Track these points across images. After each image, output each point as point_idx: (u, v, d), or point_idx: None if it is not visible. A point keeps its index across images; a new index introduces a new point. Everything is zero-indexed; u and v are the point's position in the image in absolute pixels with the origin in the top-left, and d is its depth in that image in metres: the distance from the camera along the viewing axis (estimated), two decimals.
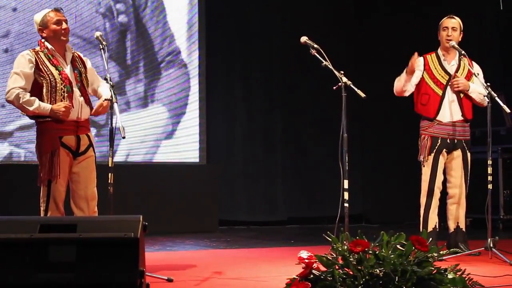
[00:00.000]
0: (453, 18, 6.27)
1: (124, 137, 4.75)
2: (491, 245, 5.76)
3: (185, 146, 8.93)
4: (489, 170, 5.96)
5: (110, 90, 4.92)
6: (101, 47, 5.09)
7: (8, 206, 7.26)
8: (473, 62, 6.25)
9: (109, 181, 4.87)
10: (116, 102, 4.88)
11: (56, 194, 5.04)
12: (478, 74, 6.09)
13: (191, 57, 9.02)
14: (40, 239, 3.61)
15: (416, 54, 6.05)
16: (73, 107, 5.05)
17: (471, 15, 9.93)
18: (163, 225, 8.05)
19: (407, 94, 6.30)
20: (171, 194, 8.63)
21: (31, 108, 4.97)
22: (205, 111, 9.06)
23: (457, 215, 6.28)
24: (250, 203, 9.52)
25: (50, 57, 5.08)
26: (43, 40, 5.14)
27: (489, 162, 5.96)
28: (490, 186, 5.94)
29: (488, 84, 5.89)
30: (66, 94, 5.04)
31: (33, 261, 3.57)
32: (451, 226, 6.29)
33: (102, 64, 5.26)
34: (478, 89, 6.20)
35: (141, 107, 8.77)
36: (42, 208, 5.08)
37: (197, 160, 8.99)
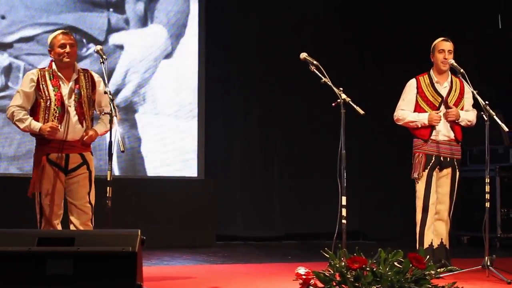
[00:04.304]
0: (448, 41, 6.32)
1: (123, 151, 4.79)
2: (489, 264, 5.75)
3: (184, 156, 8.95)
4: (487, 188, 5.96)
5: (110, 104, 4.96)
6: (101, 60, 5.17)
7: (8, 219, 7.24)
8: (465, 83, 6.26)
9: (108, 195, 4.88)
10: (116, 116, 4.91)
11: (46, 209, 5.21)
12: (476, 91, 6.08)
13: None
14: (38, 253, 3.61)
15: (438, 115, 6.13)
16: (60, 128, 5.18)
17: (469, 32, 9.98)
18: (161, 240, 8.03)
19: None
20: (169, 209, 8.62)
21: (21, 126, 5.24)
22: (204, 124, 9.08)
23: (441, 231, 6.29)
24: (248, 218, 9.51)
25: (52, 77, 5.27)
26: (52, 60, 5.34)
27: (487, 180, 5.96)
28: (487, 205, 5.93)
29: (487, 102, 5.90)
30: (57, 115, 5.20)
31: (30, 274, 3.58)
32: (435, 242, 6.30)
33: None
34: (467, 116, 6.30)
35: (141, 26, 8.84)
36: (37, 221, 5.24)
37: (195, 175, 8.99)
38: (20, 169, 8.09)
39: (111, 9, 8.64)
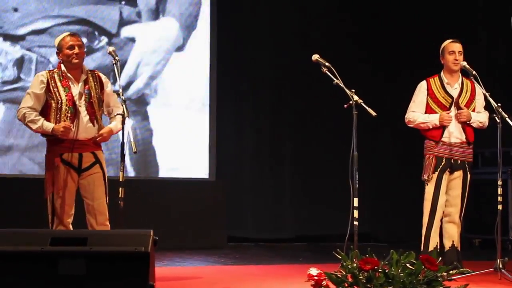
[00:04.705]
0: (457, 42, 6.30)
1: (135, 152, 4.81)
2: (501, 266, 5.74)
3: (194, 158, 8.98)
4: (499, 191, 5.94)
5: (122, 105, 5.00)
6: (114, 62, 5.20)
7: (21, 219, 7.28)
8: (476, 85, 6.24)
9: (120, 196, 4.90)
10: (128, 117, 4.94)
11: (58, 209, 5.25)
12: (488, 94, 6.05)
13: None
14: (51, 252, 3.62)
15: (448, 114, 6.12)
16: (73, 128, 5.25)
17: (481, 35, 9.96)
18: (172, 241, 8.03)
19: None
20: (180, 210, 8.64)
21: (34, 127, 5.28)
22: (215, 125, 9.10)
23: (453, 233, 6.27)
24: (258, 220, 9.51)
25: (62, 78, 5.32)
26: (60, 62, 5.39)
27: (499, 183, 5.94)
28: (500, 207, 5.92)
29: (499, 104, 5.89)
30: (69, 115, 5.25)
31: (43, 274, 3.58)
32: (447, 244, 6.28)
33: None
34: (479, 118, 6.28)
35: (153, 19, 8.90)
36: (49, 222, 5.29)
37: (206, 176, 9.01)
38: (32, 160, 8.15)
39: (123, 2, 8.71)
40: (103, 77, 5.50)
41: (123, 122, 5.00)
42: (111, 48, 5.34)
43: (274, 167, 9.69)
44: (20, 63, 8.20)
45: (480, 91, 6.24)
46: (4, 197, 7.81)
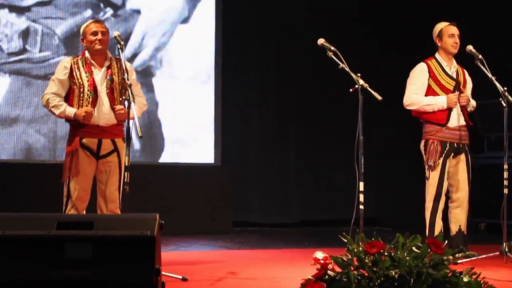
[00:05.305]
0: (454, 25, 6.28)
1: (141, 136, 4.82)
2: (506, 250, 5.75)
3: (200, 143, 8.98)
4: (505, 175, 5.94)
5: (127, 89, 5.00)
6: (119, 46, 5.20)
7: (32, 205, 7.31)
8: (465, 70, 6.27)
9: (125, 180, 4.91)
10: (134, 102, 4.93)
11: (74, 193, 5.31)
12: (494, 78, 6.03)
13: None
14: (57, 236, 3.63)
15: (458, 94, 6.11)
16: (95, 113, 5.29)
17: (487, 19, 9.91)
18: (177, 226, 8.04)
19: None
20: (186, 195, 8.65)
21: (57, 113, 5.37)
22: (220, 113, 9.10)
23: (461, 218, 6.26)
24: (264, 205, 9.53)
25: (85, 64, 5.40)
26: (85, 48, 5.48)
27: (505, 167, 5.94)
28: (506, 191, 5.92)
29: (505, 88, 5.88)
30: (90, 99, 5.32)
31: (49, 258, 3.59)
32: (454, 229, 6.28)
33: None
34: (473, 102, 6.30)
35: None
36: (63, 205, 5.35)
37: (212, 161, 9.02)
38: (38, 131, 8.17)
39: None
40: (128, 65, 5.49)
41: (128, 107, 5.00)
42: (116, 33, 5.32)
43: (279, 151, 9.69)
44: (25, 34, 8.21)
45: (468, 76, 6.28)
46: (15, 182, 7.84)
